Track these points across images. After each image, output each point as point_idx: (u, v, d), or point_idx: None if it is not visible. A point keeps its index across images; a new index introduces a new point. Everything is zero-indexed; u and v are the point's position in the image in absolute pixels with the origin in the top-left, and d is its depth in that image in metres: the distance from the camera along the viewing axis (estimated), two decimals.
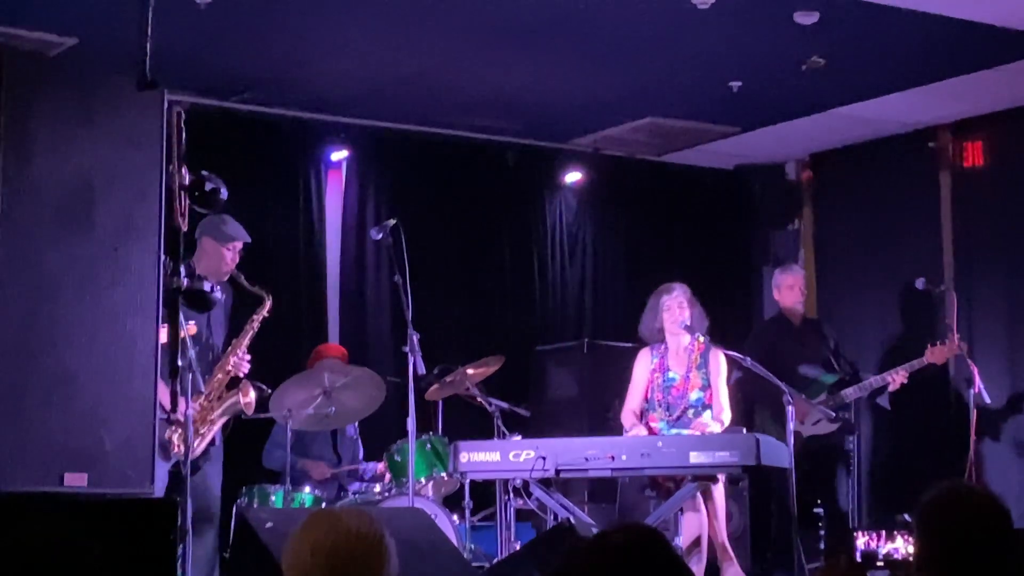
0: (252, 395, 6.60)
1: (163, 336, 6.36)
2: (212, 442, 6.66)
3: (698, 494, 6.99)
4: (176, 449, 6.48)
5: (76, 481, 4.27)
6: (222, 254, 6.73)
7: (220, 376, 6.60)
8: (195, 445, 6.52)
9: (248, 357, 6.67)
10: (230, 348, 6.66)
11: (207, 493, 6.66)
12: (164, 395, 6.42)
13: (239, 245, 6.79)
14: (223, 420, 6.62)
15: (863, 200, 9.92)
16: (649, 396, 7.48)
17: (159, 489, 6.35)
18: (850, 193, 10.05)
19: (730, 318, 9.43)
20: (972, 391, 7.83)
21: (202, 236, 6.77)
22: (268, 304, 6.73)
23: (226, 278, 6.74)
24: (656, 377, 7.45)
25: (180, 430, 6.47)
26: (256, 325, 6.71)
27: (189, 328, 6.68)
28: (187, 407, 5.25)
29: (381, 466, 8.18)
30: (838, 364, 8.28)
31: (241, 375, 6.62)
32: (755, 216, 10.57)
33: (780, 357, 8.16)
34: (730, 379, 7.56)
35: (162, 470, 6.48)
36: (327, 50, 7.75)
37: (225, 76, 8.18)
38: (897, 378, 7.97)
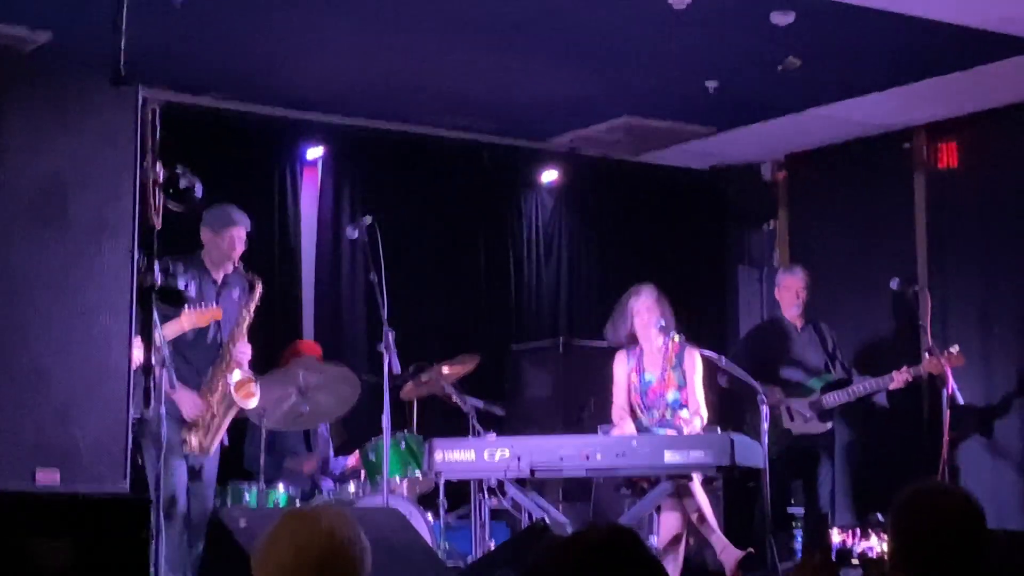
0: (252, 389, 6.56)
1: (187, 324, 6.37)
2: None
3: (677, 495, 7.00)
4: (190, 448, 6.47)
5: (49, 478, 4.24)
6: (219, 243, 6.71)
7: (222, 368, 6.56)
8: (208, 442, 6.50)
9: (248, 347, 6.63)
10: (228, 340, 6.62)
11: (208, 491, 6.64)
12: (183, 398, 6.41)
13: (238, 232, 6.77)
14: (231, 415, 6.58)
15: (838, 201, 9.95)
16: (628, 399, 7.48)
17: (179, 487, 6.39)
18: (825, 194, 10.08)
19: (705, 318, 9.47)
20: (946, 391, 7.86)
21: (202, 228, 6.76)
22: (259, 290, 6.71)
23: (232, 268, 6.72)
24: (633, 379, 7.46)
25: (197, 430, 6.47)
26: (251, 311, 6.68)
27: (215, 313, 6.62)
28: (160, 404, 5.21)
29: (352, 459, 8.17)
30: (834, 366, 8.30)
31: (244, 366, 6.59)
32: (730, 216, 10.60)
33: (774, 358, 8.19)
34: (711, 380, 7.57)
35: (181, 469, 6.47)
36: (303, 48, 7.73)
37: (200, 73, 8.15)
38: (901, 378, 7.99)
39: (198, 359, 6.62)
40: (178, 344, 6.55)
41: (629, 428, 7.37)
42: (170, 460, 6.43)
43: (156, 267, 4.56)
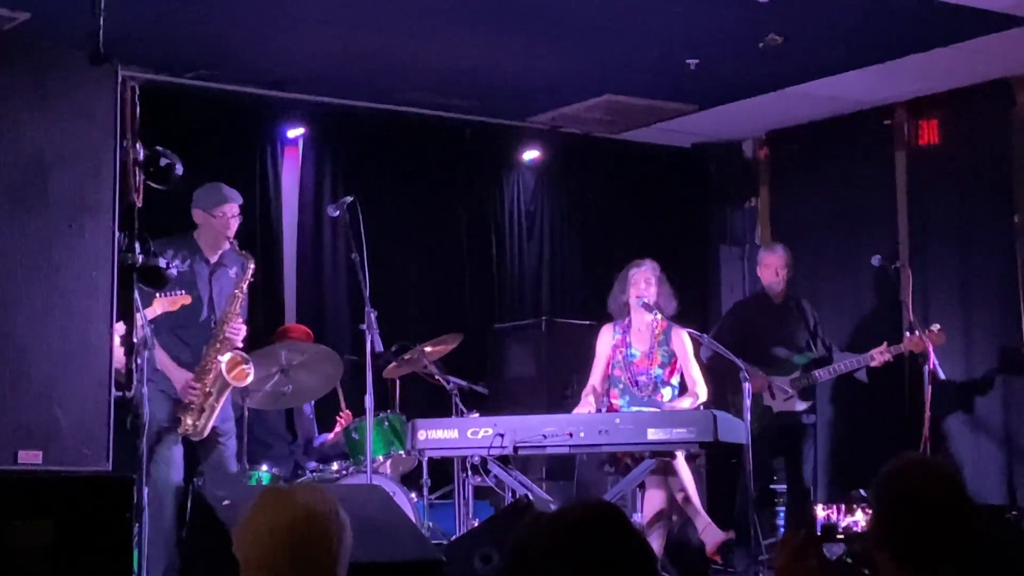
0: (245, 368, 6.54)
1: (159, 309, 6.34)
2: (217, 430, 6.61)
3: (660, 471, 7.02)
4: (184, 429, 6.46)
5: (31, 459, 4.23)
6: (212, 222, 6.67)
7: (216, 347, 6.55)
8: (203, 423, 6.49)
9: (242, 327, 6.62)
10: (221, 318, 6.61)
11: (224, 469, 6.65)
12: (177, 378, 6.39)
13: (230, 208, 6.71)
14: (225, 395, 6.57)
15: (819, 178, 9.96)
16: (611, 372, 7.50)
17: (173, 466, 6.39)
18: (807, 171, 10.09)
19: (687, 295, 9.43)
20: (927, 367, 7.89)
21: (193, 209, 6.72)
22: (252, 268, 6.68)
23: (227, 246, 6.68)
24: (618, 353, 7.47)
25: (192, 410, 6.46)
26: (244, 290, 6.66)
27: (183, 299, 6.62)
28: (143, 383, 5.18)
29: (333, 435, 8.17)
30: (815, 344, 8.32)
31: (237, 345, 6.57)
32: (712, 194, 10.60)
33: (756, 335, 8.20)
34: (696, 356, 7.58)
35: (176, 449, 6.47)
36: (283, 27, 7.69)
37: (180, 52, 8.11)
38: (881, 357, 8.01)
39: (194, 339, 6.60)
40: (174, 325, 6.55)
41: (589, 408, 7.36)
42: (165, 440, 6.44)
43: (137, 246, 4.55)
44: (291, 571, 2.78)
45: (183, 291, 6.49)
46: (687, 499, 7.06)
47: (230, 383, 6.53)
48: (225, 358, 6.51)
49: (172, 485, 6.39)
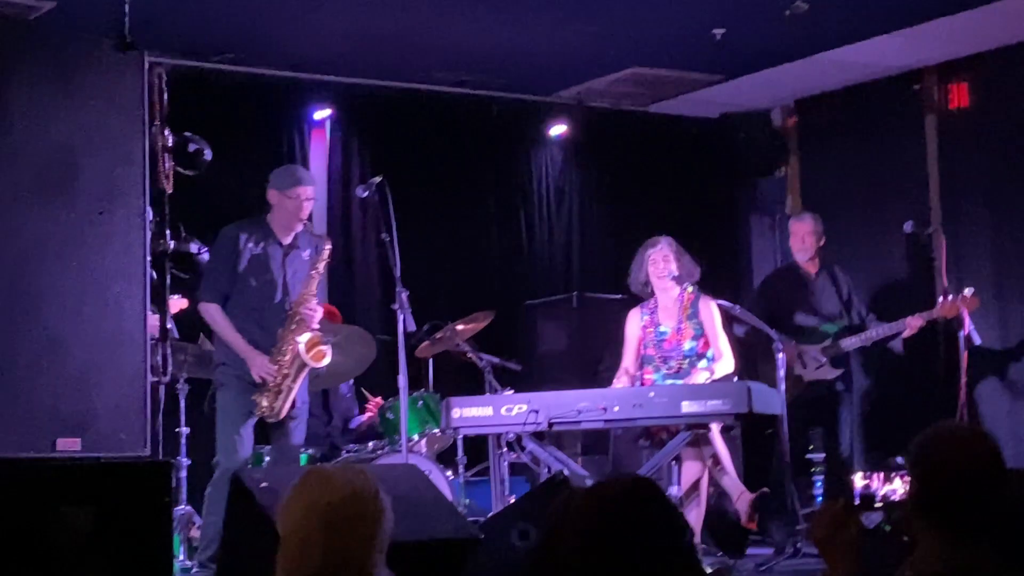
0: (323, 349, 6.58)
1: (177, 305, 6.44)
2: (294, 404, 6.64)
3: (696, 443, 7.01)
4: (260, 410, 6.50)
5: (69, 446, 4.27)
6: (286, 204, 6.68)
7: (292, 329, 6.58)
8: (279, 404, 6.53)
9: (317, 308, 6.64)
10: (297, 299, 6.63)
11: (290, 451, 6.68)
12: (253, 360, 6.46)
13: (304, 190, 6.72)
14: (303, 376, 6.60)
15: (849, 145, 9.89)
16: (644, 352, 7.48)
17: (243, 453, 6.45)
18: (836, 138, 10.03)
19: (717, 266, 9.42)
20: (962, 332, 7.84)
21: (268, 190, 6.75)
22: (328, 248, 6.70)
23: (300, 228, 6.71)
24: (648, 333, 7.45)
25: (268, 392, 6.50)
26: (320, 270, 6.67)
27: (180, 303, 6.72)
28: (168, 369, 5.19)
29: (367, 417, 8.20)
30: (849, 313, 8.28)
31: (313, 325, 6.60)
32: (741, 164, 10.54)
33: (786, 305, 8.17)
34: (728, 327, 7.56)
35: (247, 431, 6.52)
36: (308, 8, 7.69)
37: (206, 36, 8.12)
38: (914, 323, 7.97)
39: (269, 322, 6.61)
40: (249, 308, 6.61)
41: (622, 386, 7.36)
42: (238, 422, 6.49)
43: (168, 232, 4.58)
44: (327, 551, 2.80)
45: (179, 295, 6.56)
46: (721, 469, 7.05)
47: (308, 364, 6.55)
48: (304, 339, 6.53)
49: (238, 464, 6.43)
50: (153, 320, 4.66)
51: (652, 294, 7.48)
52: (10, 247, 4.27)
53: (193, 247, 4.73)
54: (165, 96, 4.64)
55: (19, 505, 3.90)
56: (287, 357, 6.54)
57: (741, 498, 6.99)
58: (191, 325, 7.17)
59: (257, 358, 6.51)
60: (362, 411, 8.35)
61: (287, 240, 6.73)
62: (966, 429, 3.04)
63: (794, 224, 8.47)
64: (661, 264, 7.37)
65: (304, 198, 6.71)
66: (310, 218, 6.84)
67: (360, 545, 2.82)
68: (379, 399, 8.14)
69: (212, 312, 6.61)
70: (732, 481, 7.05)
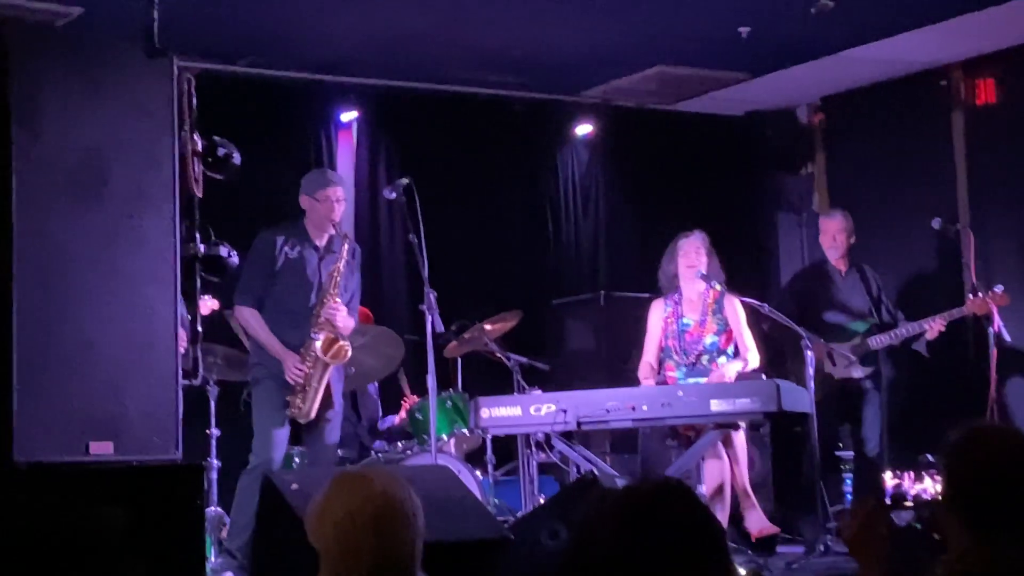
0: (342, 346, 6.60)
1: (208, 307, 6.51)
2: (330, 405, 6.68)
3: (719, 441, 7.01)
4: (293, 410, 6.54)
5: (102, 450, 4.29)
6: (317, 207, 6.74)
7: (316, 328, 6.61)
8: (308, 405, 6.56)
9: (340, 306, 6.67)
10: (320, 300, 6.67)
11: (324, 451, 6.72)
12: (288, 361, 6.49)
13: (334, 191, 6.78)
14: (327, 376, 6.63)
15: (876, 142, 9.87)
16: (664, 344, 7.49)
17: (277, 450, 6.49)
18: (862, 135, 10.00)
19: (744, 264, 9.41)
20: (992, 329, 7.81)
21: (300, 195, 6.83)
22: (347, 247, 6.73)
23: (333, 230, 6.75)
24: (670, 324, 7.46)
25: (298, 392, 6.54)
26: (341, 269, 6.70)
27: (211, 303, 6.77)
28: (199, 372, 5.22)
29: (399, 419, 8.22)
30: (879, 311, 8.26)
31: (337, 324, 6.63)
32: (768, 162, 10.53)
33: (815, 302, 8.15)
34: (754, 325, 7.55)
35: (281, 432, 6.57)
36: (333, 10, 7.72)
37: (232, 40, 8.16)
38: (935, 326, 7.95)
39: (304, 323, 6.65)
40: (284, 310, 6.66)
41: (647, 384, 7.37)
42: (274, 422, 6.53)
43: (198, 236, 4.60)
44: (376, 556, 2.81)
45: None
46: (738, 479, 7.07)
47: (328, 362, 6.58)
48: (321, 337, 6.57)
49: (271, 466, 6.46)
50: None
51: (678, 288, 7.49)
52: (42, 251, 4.30)
53: (223, 251, 4.74)
54: (194, 100, 4.66)
55: (55, 509, 3.93)
56: (311, 357, 6.58)
57: (751, 516, 7.02)
58: (221, 327, 7.20)
59: (289, 359, 6.56)
60: (398, 408, 8.37)
61: (322, 243, 6.78)
62: (1000, 428, 3.04)
63: (824, 222, 8.45)
64: (693, 255, 7.39)
65: (335, 199, 6.76)
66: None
67: (403, 547, 2.84)
68: (414, 397, 8.17)
69: (247, 315, 6.68)
70: (744, 491, 7.07)
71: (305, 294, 6.70)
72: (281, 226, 6.83)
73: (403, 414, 8.23)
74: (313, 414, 6.58)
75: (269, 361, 6.61)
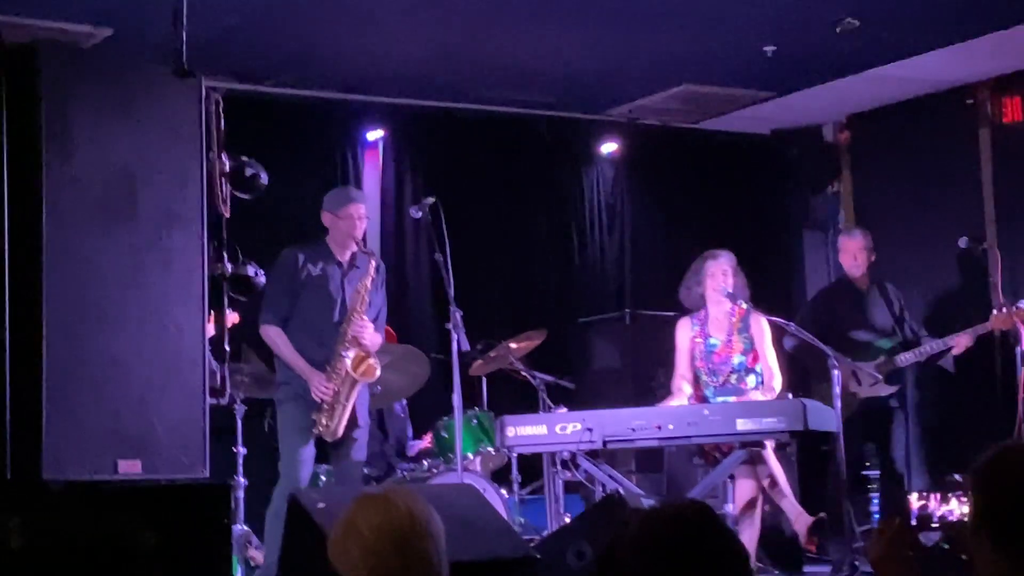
0: (371, 363, 6.61)
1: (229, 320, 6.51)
2: (356, 423, 6.69)
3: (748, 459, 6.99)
4: (319, 428, 6.55)
5: (130, 468, 4.32)
6: (340, 224, 6.76)
7: (343, 346, 6.62)
8: (335, 423, 6.57)
9: (367, 323, 6.69)
10: (347, 317, 6.68)
11: (351, 469, 6.73)
12: (314, 379, 6.48)
13: (356, 208, 6.79)
14: (356, 394, 6.64)
15: (902, 160, 9.85)
16: (692, 364, 7.47)
17: (304, 470, 6.50)
18: (889, 153, 9.99)
19: (770, 282, 9.41)
20: (1019, 348, 7.78)
21: (322, 213, 6.84)
22: (374, 265, 6.76)
23: (355, 247, 6.77)
24: (697, 344, 7.45)
25: (325, 410, 6.55)
26: (368, 286, 6.72)
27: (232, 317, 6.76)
28: (227, 390, 5.24)
29: (425, 443, 8.21)
30: (902, 328, 8.23)
31: (363, 341, 6.64)
32: (794, 180, 10.52)
33: (838, 321, 8.13)
34: (777, 344, 7.54)
35: (307, 450, 6.58)
36: (359, 30, 7.76)
37: (260, 60, 8.20)
38: (962, 341, 7.91)
39: (329, 341, 6.66)
40: (309, 329, 6.67)
41: (682, 398, 7.35)
42: (300, 441, 6.55)
43: (226, 255, 4.62)
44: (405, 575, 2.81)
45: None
46: (775, 485, 7.03)
47: (358, 380, 6.59)
48: (350, 355, 6.58)
49: (300, 484, 6.48)
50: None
51: (703, 306, 7.48)
52: (73, 270, 4.33)
53: (250, 270, 4.77)
54: (222, 121, 4.70)
55: (83, 527, 3.95)
56: (339, 374, 6.59)
57: (799, 520, 6.96)
58: (239, 341, 7.21)
59: (316, 377, 6.57)
60: (417, 435, 8.37)
61: (345, 260, 6.79)
62: None
63: (845, 240, 8.44)
64: (720, 277, 7.38)
65: (356, 216, 6.78)
66: (364, 237, 6.89)
67: (431, 567, 2.84)
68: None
69: (272, 335, 6.69)
70: (790, 502, 7.02)
71: (329, 311, 6.71)
72: (303, 244, 6.85)
73: (430, 438, 8.20)
74: (340, 432, 6.58)
75: (295, 380, 6.63)
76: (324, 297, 6.71)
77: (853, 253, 8.29)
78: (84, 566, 3.85)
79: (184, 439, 4.47)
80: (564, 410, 7.60)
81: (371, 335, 6.70)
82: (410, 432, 8.44)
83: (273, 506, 6.46)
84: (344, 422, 6.59)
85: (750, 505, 7.06)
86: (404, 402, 8.32)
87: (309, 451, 6.60)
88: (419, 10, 7.47)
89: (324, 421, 6.54)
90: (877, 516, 8.30)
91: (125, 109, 4.50)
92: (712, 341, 7.43)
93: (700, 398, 7.39)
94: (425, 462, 7.86)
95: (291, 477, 6.47)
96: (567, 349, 9.34)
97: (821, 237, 10.47)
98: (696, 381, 7.47)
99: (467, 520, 5.09)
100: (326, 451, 6.81)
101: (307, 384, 6.56)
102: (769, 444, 6.91)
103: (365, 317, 6.68)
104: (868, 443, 8.26)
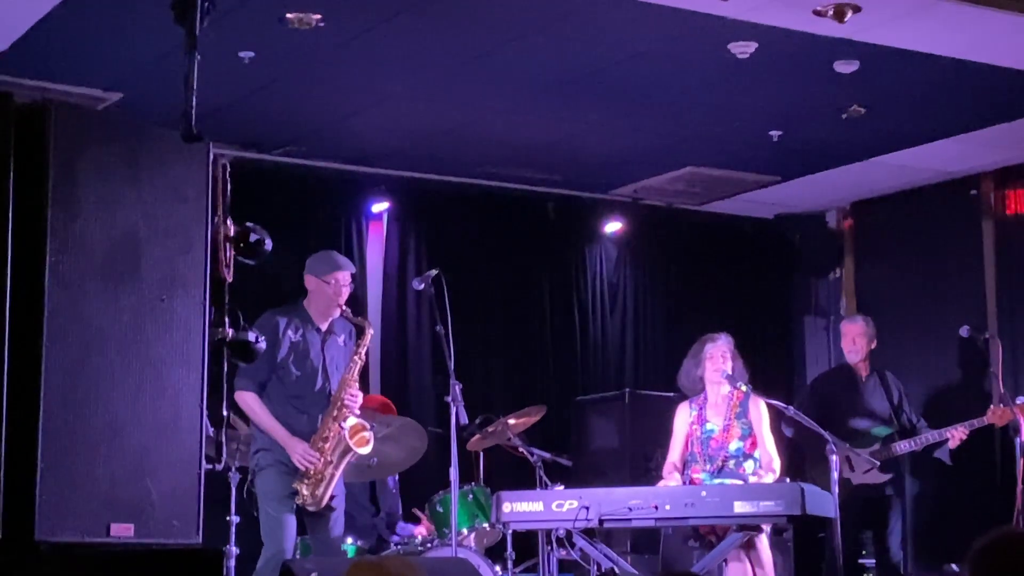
0: (366, 435, 6.57)
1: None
2: (334, 494, 6.63)
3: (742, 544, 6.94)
4: (302, 498, 6.49)
5: (122, 531, 4.27)
6: (325, 289, 6.73)
7: (334, 415, 6.58)
8: (321, 492, 6.51)
9: (359, 393, 6.65)
10: (339, 386, 6.64)
11: (331, 543, 6.67)
12: (295, 448, 6.43)
13: (342, 276, 6.76)
14: (345, 463, 6.60)
15: (905, 248, 9.88)
16: (690, 449, 7.44)
17: (288, 538, 6.42)
18: (892, 241, 10.02)
19: (770, 366, 9.40)
20: (1019, 439, 7.75)
21: (306, 276, 6.80)
22: (370, 334, 6.73)
23: (337, 314, 6.74)
24: (695, 430, 7.42)
25: (309, 480, 6.50)
26: (362, 356, 6.70)
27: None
28: (223, 457, 5.21)
29: (420, 528, 8.13)
30: (899, 417, 8.21)
31: (355, 412, 6.60)
32: (796, 265, 10.55)
33: (838, 406, 8.12)
34: (775, 429, 7.51)
35: (290, 521, 6.51)
36: (367, 103, 7.81)
37: (267, 129, 8.26)
38: (957, 434, 7.91)
39: (310, 408, 6.63)
40: (289, 395, 6.63)
41: (674, 483, 7.32)
42: (280, 510, 6.49)
43: (227, 321, 4.61)
44: None
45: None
46: None
47: (352, 449, 6.55)
48: (349, 423, 6.54)
49: (284, 555, 6.41)
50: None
51: (702, 390, 7.46)
52: (74, 332, 4.32)
53: (251, 336, 4.75)
54: (228, 186, 4.70)
55: None
56: (329, 444, 6.54)
57: None
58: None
59: (298, 446, 6.50)
60: (412, 518, 8.30)
61: (324, 326, 6.76)
62: None
63: (846, 326, 8.46)
64: (719, 360, 7.37)
65: (343, 284, 6.75)
66: (353, 304, 6.85)
67: None
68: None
69: (249, 400, 6.60)
70: None
71: (311, 378, 6.66)
72: (282, 308, 6.76)
73: (426, 522, 8.12)
74: (324, 502, 6.53)
75: (274, 446, 6.55)
76: (305, 364, 6.66)
77: (852, 338, 8.31)
78: None
79: (178, 504, 4.43)
80: (561, 487, 7.55)
81: (358, 405, 6.66)
82: (399, 509, 8.37)
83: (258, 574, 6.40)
84: (330, 492, 6.54)
85: None
86: (396, 477, 8.27)
87: (292, 519, 6.53)
88: (426, 86, 7.53)
89: (307, 491, 6.48)
90: None
91: (132, 172, 4.50)
92: (709, 427, 7.40)
93: (693, 482, 7.35)
94: (419, 536, 7.80)
95: (277, 545, 6.40)
96: (566, 427, 9.32)
97: (823, 322, 10.49)
98: (688, 465, 7.43)
99: None
100: (302, 522, 6.73)
101: (286, 452, 6.51)
102: (765, 534, 6.86)
103: (356, 386, 6.65)
104: (865, 531, 8.22)
